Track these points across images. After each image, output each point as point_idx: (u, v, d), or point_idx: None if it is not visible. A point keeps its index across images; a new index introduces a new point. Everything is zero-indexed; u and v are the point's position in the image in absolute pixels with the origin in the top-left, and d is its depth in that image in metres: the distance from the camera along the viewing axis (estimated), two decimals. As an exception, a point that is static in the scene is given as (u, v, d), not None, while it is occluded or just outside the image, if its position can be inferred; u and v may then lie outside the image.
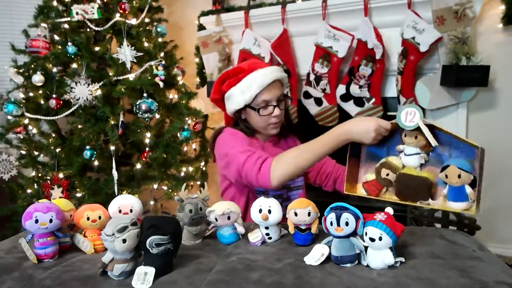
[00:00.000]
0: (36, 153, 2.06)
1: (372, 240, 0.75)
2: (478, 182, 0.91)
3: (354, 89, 1.95)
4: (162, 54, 2.12)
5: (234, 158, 1.20)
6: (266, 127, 1.34)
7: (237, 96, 1.30)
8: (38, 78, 1.95)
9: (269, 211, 0.92)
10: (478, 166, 0.91)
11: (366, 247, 0.79)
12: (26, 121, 2.00)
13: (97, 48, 2.02)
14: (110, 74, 2.01)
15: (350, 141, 1.10)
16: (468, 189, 0.92)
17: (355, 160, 1.14)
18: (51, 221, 0.83)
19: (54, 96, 1.94)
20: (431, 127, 0.99)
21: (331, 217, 0.80)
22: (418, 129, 0.99)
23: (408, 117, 0.99)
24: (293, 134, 1.53)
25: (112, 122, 1.95)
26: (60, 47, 1.99)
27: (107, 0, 2.08)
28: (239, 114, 1.37)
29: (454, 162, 0.93)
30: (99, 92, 1.95)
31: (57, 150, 1.98)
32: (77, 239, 0.90)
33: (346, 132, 1.10)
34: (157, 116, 2.06)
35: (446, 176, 0.94)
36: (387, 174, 1.05)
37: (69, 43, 1.95)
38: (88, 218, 0.90)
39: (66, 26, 2.02)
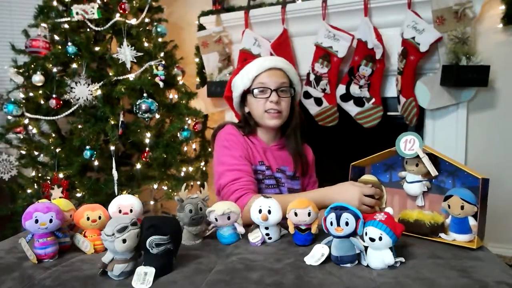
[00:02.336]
0: (36, 153, 2.06)
1: (372, 240, 0.75)
2: (479, 214, 0.86)
3: (354, 89, 1.95)
4: (162, 54, 2.13)
5: (220, 176, 1.23)
6: (263, 116, 1.29)
7: (238, 83, 1.31)
8: (38, 78, 1.95)
9: (269, 212, 0.92)
10: (479, 197, 0.87)
11: (366, 247, 0.78)
12: (26, 121, 2.00)
13: (97, 48, 2.02)
14: (110, 74, 2.01)
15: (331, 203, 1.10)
16: (472, 221, 0.87)
17: None
18: (51, 221, 0.83)
19: (54, 96, 1.94)
20: (432, 155, 0.96)
21: (331, 217, 0.80)
22: (419, 156, 0.96)
23: (408, 145, 0.97)
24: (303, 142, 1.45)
25: (112, 122, 1.95)
26: (60, 47, 1.99)
27: (107, 0, 2.08)
28: (243, 106, 1.36)
29: (457, 193, 0.88)
30: (99, 92, 1.95)
31: (57, 150, 1.98)
32: (77, 239, 0.90)
33: (329, 198, 1.10)
34: (157, 116, 2.06)
35: (449, 207, 0.90)
36: None
37: (69, 43, 1.96)
38: (88, 218, 0.90)
39: (66, 26, 2.02)
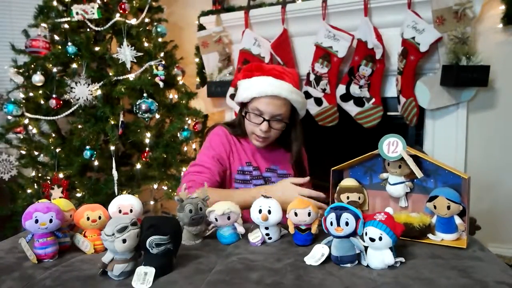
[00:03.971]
0: (36, 153, 2.07)
1: (372, 240, 0.75)
2: (467, 213, 0.86)
3: (354, 89, 1.95)
4: (162, 54, 2.13)
5: (190, 166, 1.28)
6: (251, 135, 1.31)
7: (240, 90, 1.30)
8: (38, 78, 1.95)
9: (269, 212, 0.92)
10: (466, 196, 0.86)
11: (366, 247, 0.78)
12: (26, 121, 2.00)
13: (97, 48, 2.02)
14: (110, 74, 2.01)
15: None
16: (458, 220, 0.88)
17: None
18: (51, 221, 0.83)
19: (54, 96, 1.94)
20: (415, 156, 0.95)
21: (331, 217, 0.80)
22: (402, 158, 0.95)
23: (391, 147, 0.95)
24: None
25: (112, 122, 1.95)
26: (60, 47, 1.99)
27: (107, 0, 2.08)
28: (242, 108, 1.36)
29: (442, 193, 0.88)
30: (99, 92, 1.95)
31: (57, 150, 1.99)
32: (77, 239, 0.90)
33: (270, 196, 1.05)
34: (157, 116, 2.06)
35: (435, 207, 0.90)
36: (348, 197, 1.04)
37: (69, 43, 1.96)
38: (88, 218, 0.90)
39: (66, 26, 2.02)
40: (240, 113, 1.37)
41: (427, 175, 0.98)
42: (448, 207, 0.87)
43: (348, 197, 1.04)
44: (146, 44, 2.09)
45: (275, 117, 1.25)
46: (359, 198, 1.05)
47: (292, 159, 1.38)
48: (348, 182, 1.06)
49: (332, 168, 1.08)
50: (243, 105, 1.34)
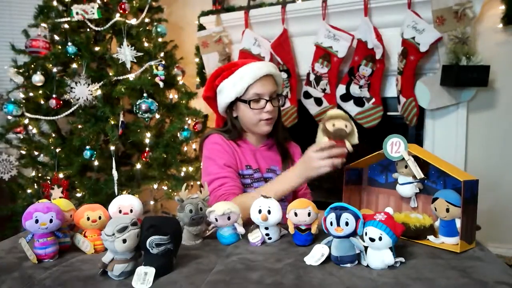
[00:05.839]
0: (36, 153, 2.07)
1: (372, 240, 0.75)
2: (463, 217, 0.83)
3: (354, 89, 1.95)
4: (162, 54, 2.12)
5: (208, 185, 1.24)
6: (257, 123, 1.31)
7: (229, 89, 1.29)
8: (38, 78, 1.95)
9: (269, 212, 0.92)
10: (462, 200, 0.84)
11: (366, 247, 0.79)
12: (26, 121, 2.00)
13: (97, 48, 2.02)
14: (110, 74, 2.01)
15: (308, 179, 1.14)
16: (459, 224, 0.86)
17: (352, 187, 1.13)
18: (51, 221, 0.83)
19: (54, 96, 1.94)
20: (418, 158, 0.94)
21: (331, 217, 0.80)
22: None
23: (394, 147, 0.96)
24: (288, 137, 1.49)
25: (112, 122, 1.95)
26: (60, 47, 1.99)
27: (107, 0, 2.08)
28: (230, 111, 1.35)
29: (442, 195, 0.88)
30: (99, 92, 1.95)
31: (57, 150, 1.99)
32: (77, 239, 0.90)
33: (299, 175, 1.14)
34: (157, 116, 2.06)
35: (436, 209, 0.89)
36: (333, 125, 1.03)
37: (69, 43, 1.96)
38: (88, 218, 0.90)
39: (66, 26, 2.02)
40: (230, 115, 1.36)
41: (437, 177, 0.98)
42: (447, 210, 0.87)
43: (334, 124, 1.02)
44: (146, 44, 2.09)
45: (272, 95, 1.30)
46: (345, 126, 1.03)
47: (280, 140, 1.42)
48: (335, 111, 1.06)
49: (345, 166, 1.08)
50: (232, 105, 1.33)
